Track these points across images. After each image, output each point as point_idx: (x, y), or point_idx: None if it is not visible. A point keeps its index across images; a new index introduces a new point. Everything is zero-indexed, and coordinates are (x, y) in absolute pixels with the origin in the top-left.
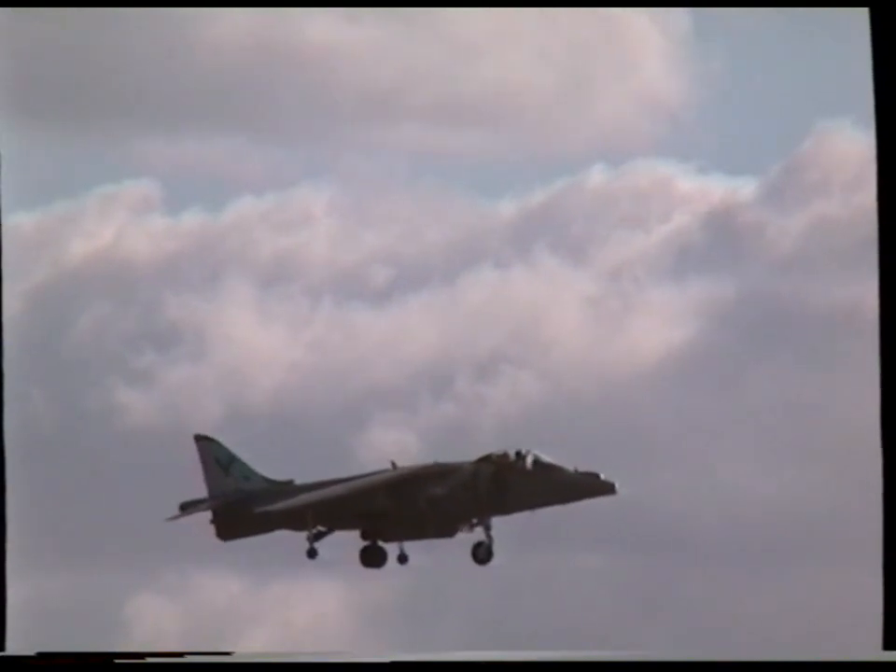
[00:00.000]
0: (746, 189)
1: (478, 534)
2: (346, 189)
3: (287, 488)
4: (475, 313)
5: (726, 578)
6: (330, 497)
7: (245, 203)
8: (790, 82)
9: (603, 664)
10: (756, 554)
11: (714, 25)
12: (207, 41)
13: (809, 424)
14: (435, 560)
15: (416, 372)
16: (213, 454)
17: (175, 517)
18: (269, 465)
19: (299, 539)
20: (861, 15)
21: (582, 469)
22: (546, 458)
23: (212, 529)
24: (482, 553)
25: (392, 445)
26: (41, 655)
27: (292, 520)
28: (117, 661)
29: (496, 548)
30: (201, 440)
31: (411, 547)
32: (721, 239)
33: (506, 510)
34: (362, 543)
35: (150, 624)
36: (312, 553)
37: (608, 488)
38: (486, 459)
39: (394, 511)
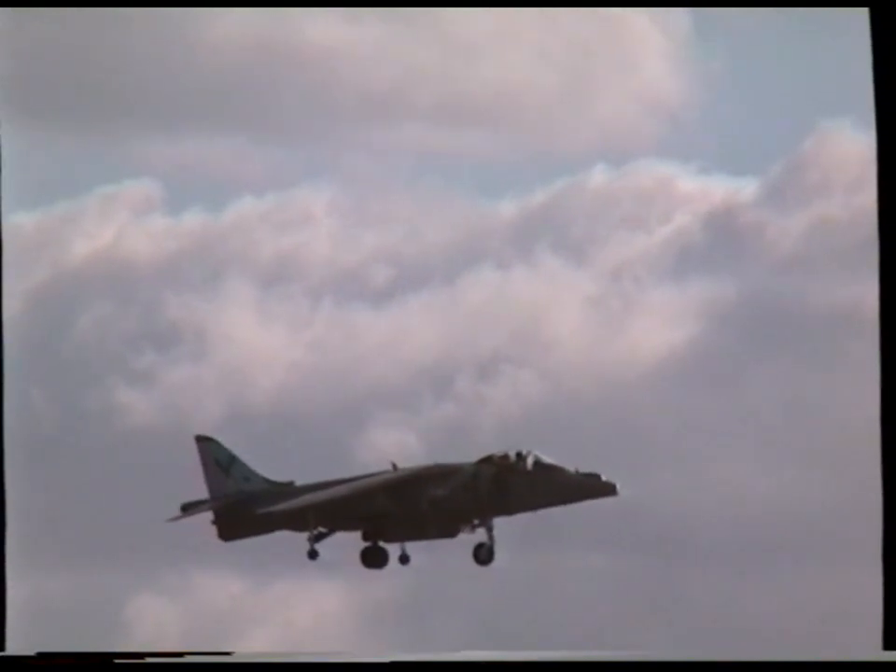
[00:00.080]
0: (747, 189)
1: (479, 535)
2: (347, 190)
3: (287, 489)
4: (476, 313)
5: (726, 578)
6: (332, 498)
7: (246, 204)
8: (790, 82)
9: (603, 664)
10: (756, 554)
11: (714, 25)
12: (207, 41)
13: (809, 424)
14: (436, 561)
15: (417, 373)
16: (213, 454)
17: (176, 518)
18: (269, 465)
19: (300, 539)
20: (861, 15)
21: (582, 469)
22: (547, 459)
23: (213, 530)
24: (483, 554)
25: (392, 445)
26: (41, 655)
27: (294, 521)
28: (116, 661)
29: (497, 549)
30: (201, 440)
31: (412, 548)
32: (721, 239)
33: (507, 510)
34: (363, 544)
35: (151, 625)
36: (313, 555)
37: (609, 489)
38: (487, 460)
39: (395, 512)
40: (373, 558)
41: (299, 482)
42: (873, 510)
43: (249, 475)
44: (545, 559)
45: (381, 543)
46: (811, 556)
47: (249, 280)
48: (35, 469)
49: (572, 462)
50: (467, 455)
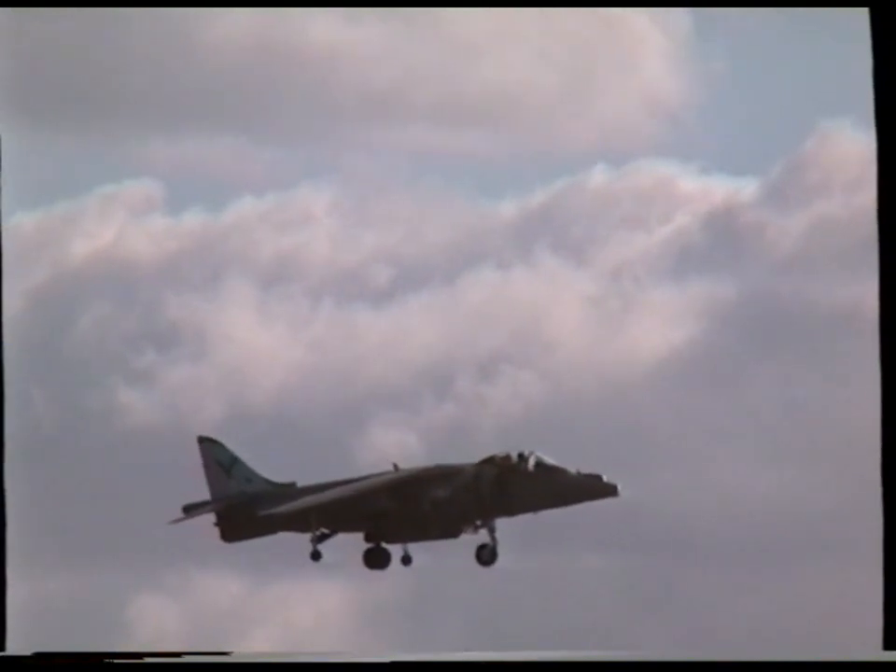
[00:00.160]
0: (747, 189)
1: (482, 536)
2: (347, 190)
3: (289, 490)
4: (476, 313)
5: (726, 578)
6: (334, 499)
7: (246, 204)
8: (790, 82)
9: (603, 664)
10: (756, 554)
11: (715, 25)
12: (208, 41)
13: (809, 424)
14: (438, 562)
15: (417, 373)
16: (215, 456)
17: (179, 520)
18: (269, 465)
19: (302, 540)
20: (861, 15)
21: (582, 469)
22: (549, 460)
23: (214, 530)
24: (485, 555)
25: (393, 446)
26: (40, 655)
27: (296, 522)
28: (115, 661)
29: (499, 549)
30: (203, 441)
31: (414, 548)
32: (721, 239)
33: (509, 511)
34: (366, 545)
35: (151, 625)
36: (315, 556)
37: (610, 490)
38: (489, 461)
39: (397, 512)
40: (376, 559)
41: (297, 481)
42: (873, 510)
43: (251, 476)
44: (547, 560)
45: (383, 544)
46: (811, 556)
47: (249, 280)
48: (35, 470)
49: (571, 461)
50: (467, 455)
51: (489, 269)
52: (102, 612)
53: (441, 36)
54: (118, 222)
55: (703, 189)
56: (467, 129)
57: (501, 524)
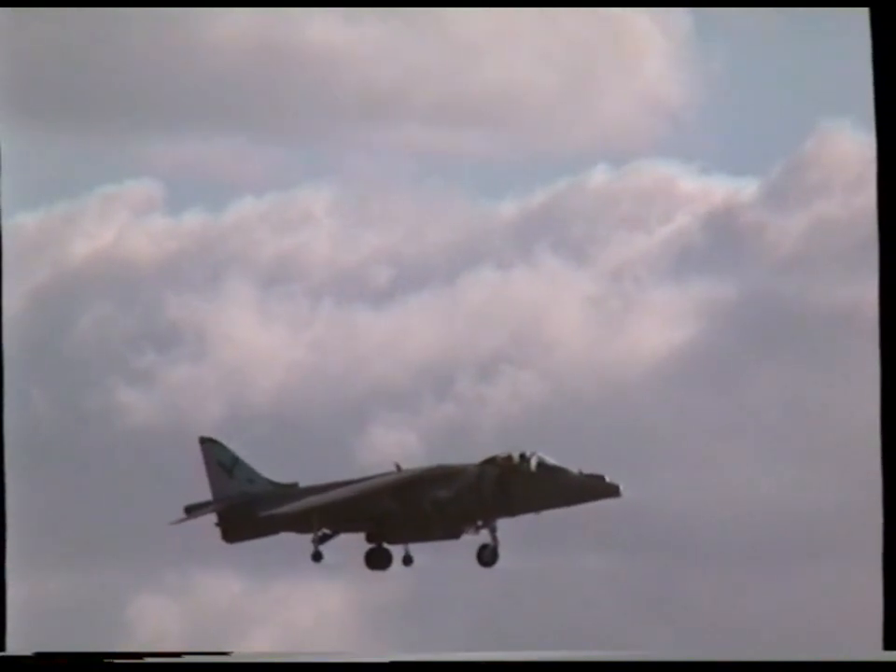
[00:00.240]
0: (747, 189)
1: (483, 536)
2: (347, 190)
3: (291, 491)
4: (476, 313)
5: (726, 578)
6: (336, 499)
7: (246, 204)
8: (790, 82)
9: (603, 664)
10: (756, 554)
11: (715, 25)
12: (208, 41)
13: (809, 424)
14: (440, 562)
15: (417, 373)
16: (216, 456)
17: (180, 520)
18: (270, 465)
19: (303, 540)
20: (861, 15)
21: (583, 469)
22: (551, 460)
23: (215, 530)
24: (487, 556)
25: (393, 446)
26: (40, 655)
27: (298, 523)
28: (115, 661)
29: (500, 550)
30: (205, 442)
31: (416, 549)
32: (722, 239)
33: (511, 512)
34: (367, 546)
35: (152, 625)
36: (317, 557)
37: (612, 490)
38: (491, 461)
39: (399, 513)
40: (377, 560)
41: (298, 482)
42: (873, 510)
43: (253, 477)
44: (548, 560)
45: (385, 545)
46: (811, 556)
47: (249, 280)
48: (35, 469)
49: (571, 462)
50: (467, 455)
51: (489, 269)
52: (102, 612)
53: (442, 36)
54: (118, 222)
55: (703, 189)
56: (467, 129)
57: (502, 524)
